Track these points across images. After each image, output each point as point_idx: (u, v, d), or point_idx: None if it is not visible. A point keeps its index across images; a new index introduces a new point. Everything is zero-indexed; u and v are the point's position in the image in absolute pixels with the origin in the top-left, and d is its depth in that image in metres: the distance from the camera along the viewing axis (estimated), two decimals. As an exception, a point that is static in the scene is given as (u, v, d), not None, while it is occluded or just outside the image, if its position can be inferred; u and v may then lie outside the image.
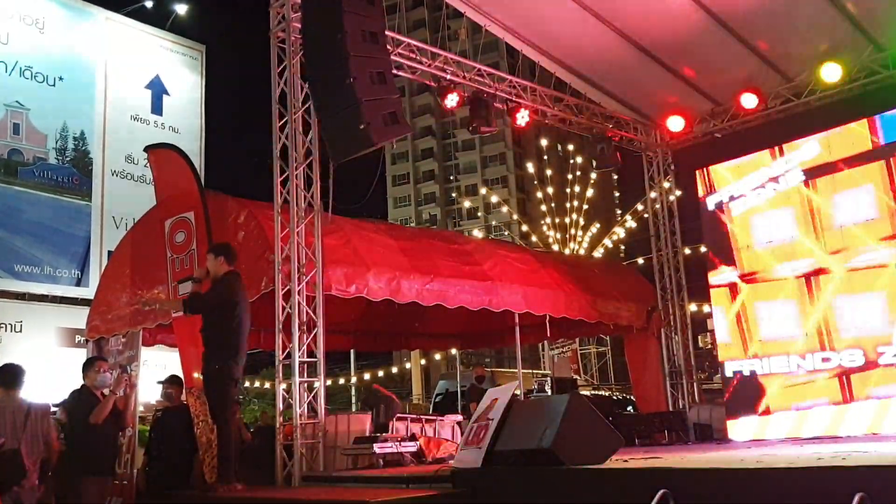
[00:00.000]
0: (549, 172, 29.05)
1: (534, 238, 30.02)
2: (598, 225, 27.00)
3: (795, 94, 12.46)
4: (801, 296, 10.87)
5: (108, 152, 16.06)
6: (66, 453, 7.60)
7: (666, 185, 14.21)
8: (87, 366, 7.57)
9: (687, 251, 14.23)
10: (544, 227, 28.07)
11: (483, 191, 35.84)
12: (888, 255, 10.08)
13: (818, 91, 12.17)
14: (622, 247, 26.60)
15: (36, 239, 14.78)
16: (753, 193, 11.54)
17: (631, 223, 25.32)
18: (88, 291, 13.76)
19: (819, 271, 10.72)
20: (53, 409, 9.38)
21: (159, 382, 8.89)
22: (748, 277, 11.47)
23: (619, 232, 26.41)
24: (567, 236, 27.20)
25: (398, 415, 10.36)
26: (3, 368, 6.81)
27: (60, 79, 15.62)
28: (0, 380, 6.69)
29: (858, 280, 10.31)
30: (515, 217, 31.64)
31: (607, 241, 26.61)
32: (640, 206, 19.12)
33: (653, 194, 14.29)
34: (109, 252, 13.71)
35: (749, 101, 12.36)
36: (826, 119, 12.09)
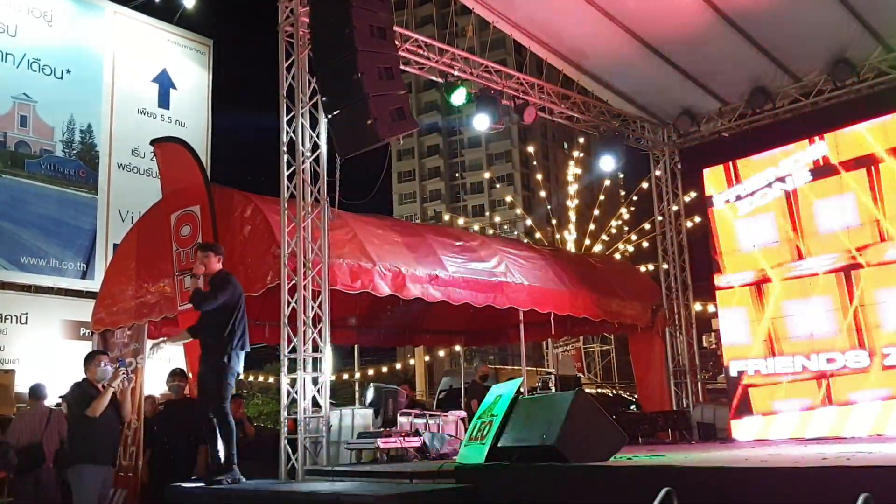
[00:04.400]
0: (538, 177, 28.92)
1: (538, 235, 29.98)
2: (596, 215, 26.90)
3: (804, 94, 12.42)
4: (807, 295, 10.84)
5: (115, 145, 16.10)
6: (66, 443, 7.67)
7: (672, 183, 14.17)
8: (88, 359, 7.61)
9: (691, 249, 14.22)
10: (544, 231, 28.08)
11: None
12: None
13: (827, 91, 12.14)
14: (629, 247, 26.52)
15: (42, 231, 14.82)
16: (760, 193, 11.51)
17: (633, 224, 25.30)
18: (94, 284, 13.80)
19: (828, 271, 10.70)
20: (57, 400, 9.47)
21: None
22: (754, 277, 11.44)
23: (616, 225, 26.46)
24: (567, 235, 27.15)
25: (402, 410, 10.37)
26: (33, 386, 9.28)
27: (68, 72, 15.66)
28: (31, 394, 9.26)
29: (867, 279, 10.28)
30: (529, 221, 31.70)
31: (614, 242, 26.56)
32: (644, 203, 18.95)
33: (659, 193, 14.26)
34: (115, 245, 13.77)
35: (759, 100, 12.27)
36: (835, 119, 12.06)
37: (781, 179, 11.32)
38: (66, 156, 15.47)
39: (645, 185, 13.63)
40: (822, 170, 10.94)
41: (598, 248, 26.32)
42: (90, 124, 15.83)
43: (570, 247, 26.45)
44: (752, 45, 11.71)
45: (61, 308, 14.69)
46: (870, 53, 11.57)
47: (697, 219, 15.25)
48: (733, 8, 11.11)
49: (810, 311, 10.76)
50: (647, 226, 22.72)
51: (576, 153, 27.39)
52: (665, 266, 13.96)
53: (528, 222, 32.81)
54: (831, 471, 4.70)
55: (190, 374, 8.60)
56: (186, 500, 7.36)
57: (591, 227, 26.94)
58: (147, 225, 10.05)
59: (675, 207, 14.11)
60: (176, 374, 8.79)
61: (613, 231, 26.73)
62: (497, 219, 40.69)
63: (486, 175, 56.06)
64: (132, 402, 8.91)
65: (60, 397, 9.00)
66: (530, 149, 31.43)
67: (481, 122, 11.49)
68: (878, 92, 11.92)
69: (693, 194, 14.91)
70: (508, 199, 44.94)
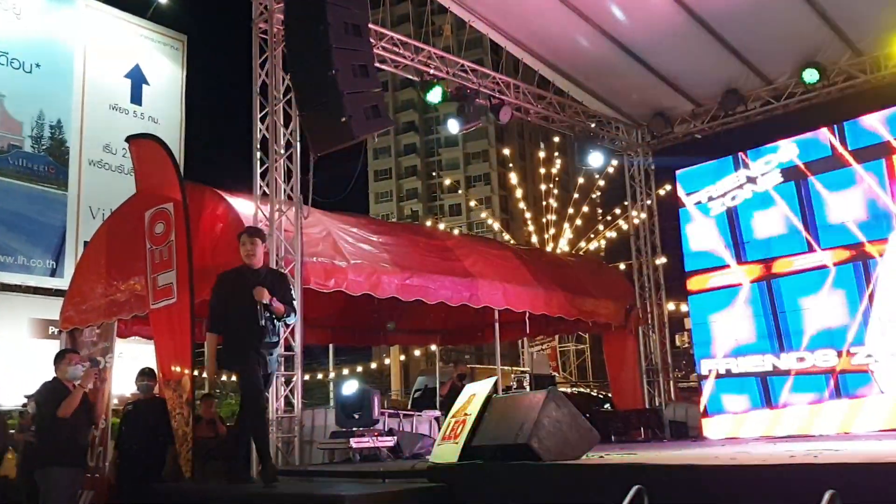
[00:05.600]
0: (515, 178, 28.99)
1: (507, 237, 30.09)
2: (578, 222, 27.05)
3: (775, 97, 12.55)
4: (778, 295, 10.95)
5: (86, 141, 15.88)
6: (35, 444, 7.55)
7: (646, 184, 14.26)
8: (59, 358, 7.49)
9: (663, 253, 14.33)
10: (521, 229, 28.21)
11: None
12: (864, 256, 10.19)
13: (797, 94, 12.27)
14: (602, 244, 26.66)
15: (10, 228, 14.58)
16: (731, 194, 11.61)
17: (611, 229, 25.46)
18: (63, 282, 13.61)
19: (793, 272, 10.81)
20: (24, 399, 9.32)
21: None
22: (726, 275, 11.53)
23: (599, 229, 26.61)
24: (546, 237, 27.26)
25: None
26: None
27: (37, 65, 15.43)
28: None
29: (834, 279, 10.40)
30: (497, 226, 31.88)
31: (591, 245, 26.70)
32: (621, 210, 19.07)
33: (633, 193, 14.35)
34: (85, 242, 13.59)
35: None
36: (805, 122, 12.21)
37: (753, 180, 11.43)
38: (36, 151, 15.24)
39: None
40: (791, 172, 11.06)
41: (580, 245, 26.45)
42: (60, 119, 15.61)
43: (550, 246, 26.54)
44: (725, 47, 11.81)
45: (30, 306, 14.47)
46: (839, 57, 11.71)
47: (670, 219, 15.37)
48: (707, 11, 11.19)
49: (780, 311, 10.87)
50: (623, 224, 22.87)
51: (542, 154, 27.60)
52: (638, 265, 14.05)
53: (496, 226, 32.91)
54: (799, 468, 4.74)
55: (160, 374, 8.51)
56: (158, 500, 7.29)
57: (566, 225, 27.06)
58: (118, 222, 9.93)
59: (648, 203, 14.20)
60: (145, 374, 8.68)
61: (586, 229, 26.88)
62: (488, 218, 40.79)
63: (448, 182, 56.52)
64: (101, 402, 8.83)
65: (26, 397, 8.87)
66: (506, 151, 31.54)
67: (453, 126, 11.58)
68: (848, 95, 12.08)
69: (668, 188, 15.02)
70: (473, 203, 45.13)
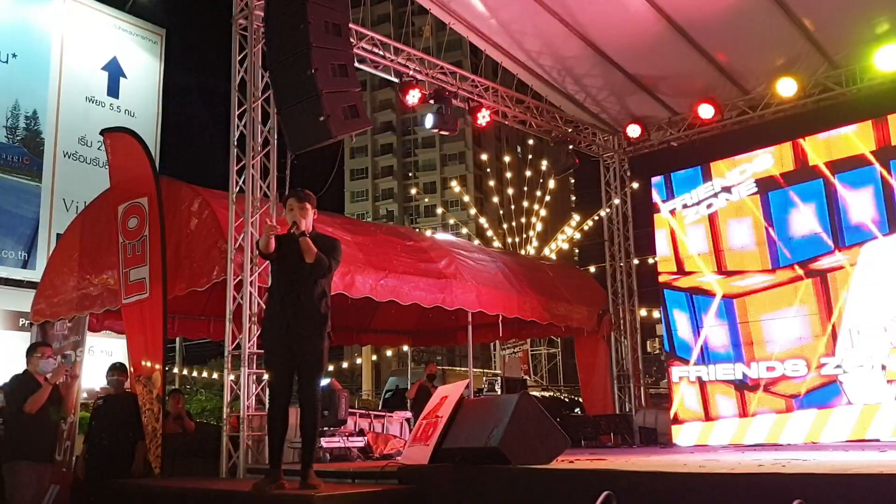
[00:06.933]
0: (509, 175, 29.04)
1: (476, 241, 30.20)
2: (562, 232, 27.19)
3: (751, 107, 12.69)
4: (750, 305, 11.06)
5: (61, 133, 15.73)
6: (2, 438, 7.46)
7: (622, 190, 14.36)
8: (31, 351, 7.43)
9: (637, 260, 14.44)
10: (496, 232, 28.33)
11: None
12: (845, 261, 10.33)
13: (773, 105, 12.42)
14: (576, 250, 26.83)
15: (-18, 218, 14.43)
16: (706, 202, 11.71)
17: (585, 227, 25.59)
18: (35, 274, 13.48)
19: (772, 282, 10.92)
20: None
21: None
22: (699, 284, 11.63)
23: (569, 233, 26.75)
24: (522, 239, 27.37)
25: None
26: None
27: (14, 56, 15.26)
28: None
29: (806, 290, 10.53)
30: (465, 230, 32.00)
31: (563, 245, 26.82)
32: (601, 213, 19.20)
33: (608, 199, 14.44)
34: (58, 234, 13.46)
35: (706, 111, 12.55)
36: (780, 133, 12.35)
37: (728, 189, 11.53)
38: (10, 142, 15.07)
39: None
40: (766, 182, 11.18)
41: (552, 247, 26.57)
42: (35, 110, 15.44)
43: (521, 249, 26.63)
44: (703, 56, 11.92)
45: (0, 298, 14.31)
46: (816, 69, 11.86)
47: (645, 226, 15.49)
48: (686, 19, 11.29)
49: (752, 320, 10.98)
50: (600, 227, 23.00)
51: (507, 159, 27.80)
52: (611, 270, 14.14)
53: (459, 230, 33.01)
54: (766, 477, 4.80)
55: (131, 370, 8.45)
56: (126, 496, 7.23)
57: (539, 227, 27.19)
58: (92, 216, 9.84)
59: (623, 209, 14.30)
60: (116, 369, 8.61)
61: (559, 233, 27.04)
62: (461, 226, 40.94)
63: (413, 190, 56.52)
64: (71, 397, 8.74)
65: (-1, 387, 8.75)
66: (483, 156, 31.76)
67: (429, 121, 11.64)
68: (823, 107, 12.24)
69: (643, 201, 15.12)
70: (440, 210, 44.97)
